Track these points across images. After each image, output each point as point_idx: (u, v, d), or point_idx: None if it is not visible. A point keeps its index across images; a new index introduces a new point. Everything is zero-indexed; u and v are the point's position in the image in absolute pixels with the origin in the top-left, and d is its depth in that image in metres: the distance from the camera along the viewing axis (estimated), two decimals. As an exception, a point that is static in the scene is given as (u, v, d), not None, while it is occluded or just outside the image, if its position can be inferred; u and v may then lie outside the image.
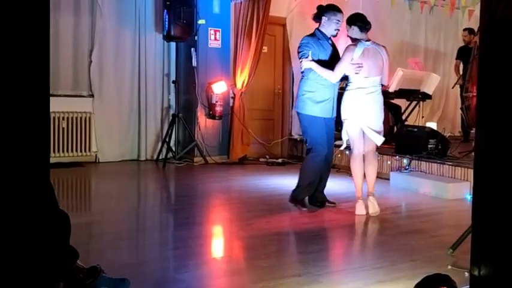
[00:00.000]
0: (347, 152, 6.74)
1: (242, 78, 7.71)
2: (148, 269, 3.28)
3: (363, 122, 4.71)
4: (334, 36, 4.93)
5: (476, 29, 7.94)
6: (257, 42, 7.68)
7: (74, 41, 7.16)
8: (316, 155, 4.81)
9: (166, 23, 7.25)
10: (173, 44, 7.78)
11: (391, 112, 8.11)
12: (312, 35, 4.88)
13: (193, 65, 7.53)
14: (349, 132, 4.80)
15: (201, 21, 7.45)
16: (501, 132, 1.94)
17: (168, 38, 7.41)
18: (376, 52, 4.78)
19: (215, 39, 7.64)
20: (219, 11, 7.66)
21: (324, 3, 8.16)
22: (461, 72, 8.49)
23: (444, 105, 10.14)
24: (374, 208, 4.72)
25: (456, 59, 8.74)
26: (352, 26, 4.79)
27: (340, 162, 7.45)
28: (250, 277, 3.23)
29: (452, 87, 8.91)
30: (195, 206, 5.23)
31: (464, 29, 8.71)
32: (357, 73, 4.65)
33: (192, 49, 7.53)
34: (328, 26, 4.83)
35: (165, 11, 7.26)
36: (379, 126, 4.79)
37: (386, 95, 7.74)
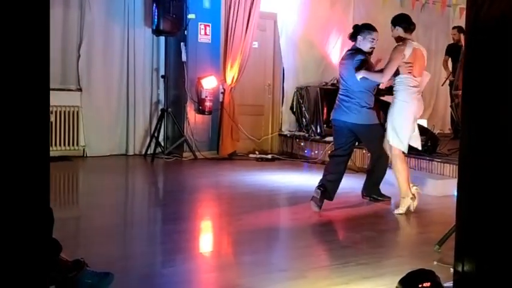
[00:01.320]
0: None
1: (232, 73, 7.68)
2: (134, 263, 3.26)
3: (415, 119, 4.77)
4: (370, 54, 5.02)
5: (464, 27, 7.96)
6: (247, 38, 7.65)
7: (62, 35, 7.10)
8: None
9: (156, 17, 7.19)
10: (162, 39, 7.72)
11: (383, 110, 8.11)
12: (357, 51, 4.91)
13: (182, 59, 7.49)
14: (408, 132, 4.73)
15: (191, 16, 7.40)
16: (486, 129, 1.94)
17: (157, 32, 7.36)
18: (422, 53, 4.81)
19: (205, 34, 7.60)
20: (209, 6, 7.62)
21: (313, 1, 8.22)
22: (450, 68, 8.51)
23: (434, 103, 10.15)
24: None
25: (445, 55, 8.76)
26: (397, 27, 4.81)
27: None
28: (237, 272, 3.21)
29: (442, 85, 8.93)
30: (183, 201, 5.20)
31: (454, 27, 8.72)
32: (409, 72, 4.68)
33: (182, 44, 7.48)
34: (364, 44, 4.95)
35: (155, 5, 7.21)
36: None
37: (378, 92, 7.78)
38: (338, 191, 4.89)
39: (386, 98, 8.09)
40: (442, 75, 9.61)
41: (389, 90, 7.69)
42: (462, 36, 8.26)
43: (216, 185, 6.12)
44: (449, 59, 8.53)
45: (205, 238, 4.22)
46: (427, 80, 8.00)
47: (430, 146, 6.47)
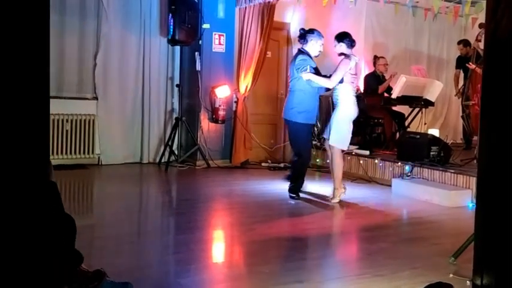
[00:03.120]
0: (348, 157, 6.81)
1: (245, 82, 7.74)
2: (149, 273, 3.30)
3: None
4: (316, 56, 5.63)
5: (473, 39, 7.95)
6: (261, 47, 7.71)
7: (79, 44, 7.19)
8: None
9: (171, 27, 7.27)
10: (177, 48, 7.81)
11: (395, 119, 8.14)
12: (302, 52, 5.54)
13: (197, 69, 7.56)
14: (349, 134, 5.53)
15: (205, 26, 7.48)
16: (505, 140, 1.95)
17: (172, 41, 7.44)
18: (358, 66, 5.69)
19: (219, 43, 7.68)
20: (224, 16, 7.69)
21: (326, 12, 8.28)
22: (460, 81, 8.50)
23: (446, 112, 10.15)
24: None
25: (456, 68, 8.76)
26: (341, 43, 5.52)
27: (342, 167, 7.44)
28: (251, 283, 3.24)
29: (455, 95, 8.92)
30: (197, 210, 5.23)
31: (459, 42, 8.73)
32: (353, 82, 5.46)
33: (196, 53, 7.56)
34: (313, 48, 5.54)
35: (170, 15, 7.29)
36: None
37: (389, 101, 7.80)
38: (350, 200, 4.93)
39: (397, 108, 8.16)
40: (454, 85, 9.61)
41: (401, 101, 7.76)
42: (468, 49, 8.28)
43: (229, 193, 6.15)
44: (460, 71, 8.54)
45: (219, 248, 4.24)
46: (439, 90, 8.10)
47: (443, 156, 6.46)
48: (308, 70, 5.35)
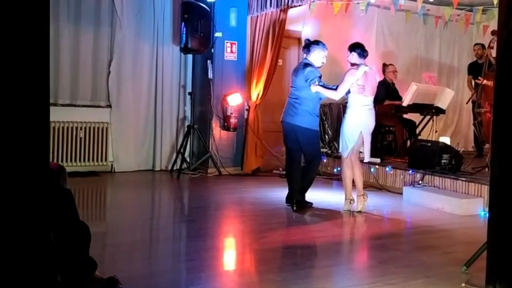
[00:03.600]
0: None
1: (257, 90, 7.78)
2: (161, 280, 3.31)
3: (365, 133, 5.50)
4: (319, 67, 5.70)
5: (486, 45, 7.94)
6: (272, 55, 7.75)
7: (93, 52, 7.29)
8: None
9: (184, 35, 7.35)
10: (190, 56, 7.89)
11: (406, 127, 8.13)
12: (309, 65, 5.61)
13: (209, 77, 7.62)
14: (353, 142, 5.48)
15: (217, 34, 7.55)
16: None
17: (185, 50, 7.52)
18: (372, 75, 5.62)
19: (231, 51, 7.74)
20: (236, 24, 7.76)
21: (337, 20, 8.32)
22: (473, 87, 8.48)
23: (458, 120, 10.12)
24: (363, 205, 5.53)
25: (468, 75, 8.74)
26: (352, 52, 5.56)
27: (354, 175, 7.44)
28: (264, 291, 3.25)
29: (467, 103, 8.88)
30: (208, 218, 5.27)
31: (476, 44, 8.70)
32: (360, 93, 5.42)
33: (208, 61, 7.63)
34: (316, 58, 5.63)
35: (183, 23, 7.37)
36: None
37: (400, 109, 7.80)
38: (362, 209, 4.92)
39: (408, 116, 8.16)
40: (465, 92, 9.60)
41: (412, 109, 7.76)
42: (484, 52, 8.25)
43: (240, 201, 6.18)
44: (472, 78, 8.51)
45: (231, 255, 4.24)
46: (450, 98, 8.09)
47: (454, 164, 6.44)
48: (317, 83, 5.45)
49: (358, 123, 5.45)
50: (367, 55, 5.60)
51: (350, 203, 5.56)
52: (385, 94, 8.04)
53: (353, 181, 5.60)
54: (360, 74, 5.38)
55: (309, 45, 5.67)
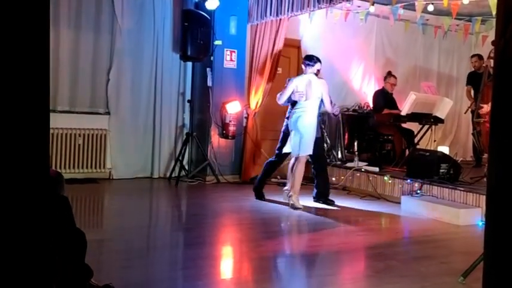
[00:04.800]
0: (358, 174, 6.87)
1: (256, 98, 7.80)
2: (158, 288, 3.32)
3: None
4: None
5: (486, 55, 7.97)
6: (272, 64, 7.78)
7: (93, 59, 7.30)
8: None
9: (184, 43, 7.38)
10: (189, 64, 7.90)
11: (404, 136, 8.14)
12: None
13: (208, 84, 7.64)
14: (311, 142, 6.04)
15: (217, 42, 7.58)
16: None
17: (184, 58, 7.55)
18: (316, 82, 6.12)
19: (231, 59, 7.76)
20: (236, 33, 7.78)
21: (336, 29, 8.37)
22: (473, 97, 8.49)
23: (456, 130, 10.13)
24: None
25: (466, 85, 8.75)
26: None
27: (352, 183, 7.46)
28: (260, 299, 3.25)
29: (465, 112, 8.90)
30: (206, 226, 5.26)
31: (473, 55, 8.71)
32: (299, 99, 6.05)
33: (208, 69, 7.65)
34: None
35: (183, 31, 7.41)
36: None
37: (399, 118, 7.82)
38: (359, 217, 4.92)
39: (407, 125, 8.17)
40: (464, 102, 9.61)
41: (410, 118, 7.78)
42: (482, 63, 8.28)
43: (238, 209, 6.16)
44: (472, 88, 8.52)
45: (227, 264, 4.25)
46: (449, 107, 8.11)
47: (452, 174, 6.45)
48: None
49: (315, 126, 6.11)
50: (312, 65, 6.13)
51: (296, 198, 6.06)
52: (384, 102, 8.07)
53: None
54: (297, 82, 6.08)
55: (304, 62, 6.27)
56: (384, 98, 8.13)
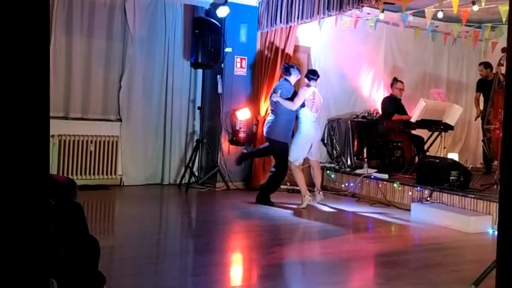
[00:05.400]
0: (367, 181, 6.90)
1: (266, 105, 7.82)
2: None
3: (314, 143, 6.77)
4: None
5: (493, 63, 7.96)
6: (282, 71, 7.80)
7: (105, 67, 7.37)
8: None
9: (195, 50, 7.43)
10: (200, 71, 7.94)
11: (414, 143, 8.14)
12: (286, 80, 6.73)
13: (218, 91, 7.68)
14: (306, 153, 6.63)
15: (228, 49, 7.62)
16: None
17: (195, 65, 7.60)
18: (318, 96, 6.67)
19: (241, 66, 7.80)
20: (246, 40, 7.82)
21: (346, 36, 8.39)
22: (481, 105, 8.47)
23: (466, 137, 10.10)
24: (322, 197, 6.75)
25: (476, 91, 8.73)
26: (305, 78, 6.76)
27: (361, 190, 7.46)
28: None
29: (475, 119, 8.88)
30: (215, 232, 5.29)
31: (480, 64, 8.70)
32: (310, 107, 6.56)
33: (218, 76, 7.69)
34: (293, 80, 6.74)
35: (194, 38, 7.46)
36: None
37: (408, 125, 7.82)
38: (369, 225, 4.92)
39: (417, 132, 8.16)
40: (474, 109, 9.58)
41: (420, 125, 7.77)
42: (489, 72, 8.27)
43: (247, 216, 6.17)
44: (481, 94, 8.51)
45: (237, 271, 4.26)
46: (459, 114, 8.10)
47: (462, 181, 6.43)
48: (279, 94, 6.53)
49: (311, 137, 6.60)
50: (315, 79, 6.68)
51: (308, 199, 6.49)
52: (393, 108, 8.08)
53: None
54: (310, 92, 6.54)
55: (288, 68, 6.71)
56: (393, 104, 8.14)
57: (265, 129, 6.74)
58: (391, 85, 8.34)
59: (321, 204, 6.68)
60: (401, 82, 8.28)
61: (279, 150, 6.61)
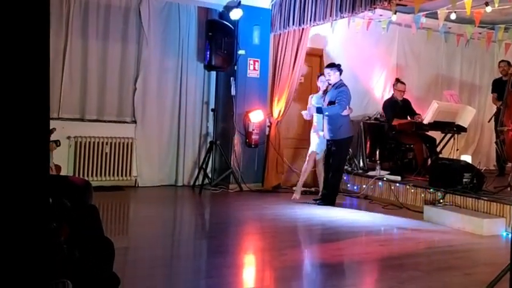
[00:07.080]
0: (380, 183, 6.89)
1: (279, 107, 7.87)
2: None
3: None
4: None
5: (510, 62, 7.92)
6: (294, 73, 7.85)
7: (120, 69, 7.47)
8: None
9: (208, 53, 7.50)
10: (213, 73, 8.01)
11: (426, 144, 8.11)
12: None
13: (232, 93, 7.74)
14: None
15: (241, 52, 7.68)
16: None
17: (209, 67, 7.67)
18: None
19: (254, 69, 7.85)
20: (259, 42, 7.87)
21: (358, 38, 8.40)
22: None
23: (479, 138, 10.04)
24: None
25: (492, 92, 8.67)
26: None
27: (374, 192, 7.47)
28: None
29: (489, 121, 8.82)
30: (229, 234, 5.33)
31: (503, 61, 8.62)
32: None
33: (232, 78, 7.74)
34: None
35: (207, 41, 7.53)
36: None
37: (421, 127, 7.80)
38: (382, 227, 4.91)
39: (429, 133, 8.14)
40: (487, 110, 9.55)
41: (433, 127, 7.75)
42: (510, 69, 8.19)
43: (260, 217, 6.21)
44: (496, 94, 8.45)
45: (251, 273, 4.27)
46: (472, 116, 8.06)
47: (475, 183, 6.39)
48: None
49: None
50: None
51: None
52: (392, 113, 8.01)
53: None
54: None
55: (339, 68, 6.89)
56: (391, 108, 8.07)
57: (327, 134, 6.83)
58: (393, 85, 8.33)
59: (334, 206, 6.76)
60: (403, 83, 8.24)
61: (346, 145, 6.95)
